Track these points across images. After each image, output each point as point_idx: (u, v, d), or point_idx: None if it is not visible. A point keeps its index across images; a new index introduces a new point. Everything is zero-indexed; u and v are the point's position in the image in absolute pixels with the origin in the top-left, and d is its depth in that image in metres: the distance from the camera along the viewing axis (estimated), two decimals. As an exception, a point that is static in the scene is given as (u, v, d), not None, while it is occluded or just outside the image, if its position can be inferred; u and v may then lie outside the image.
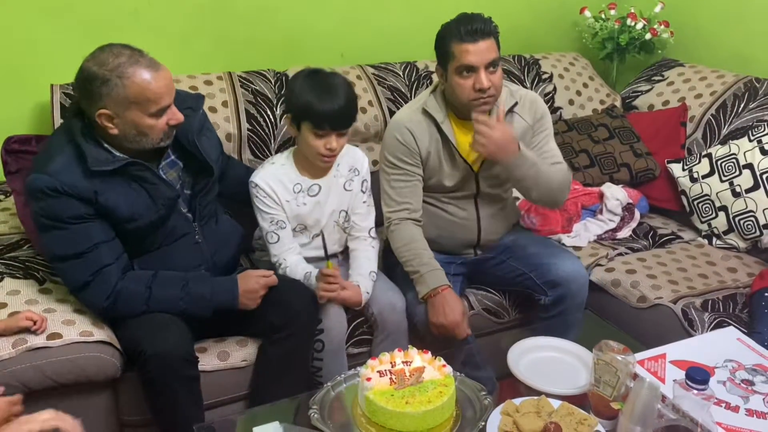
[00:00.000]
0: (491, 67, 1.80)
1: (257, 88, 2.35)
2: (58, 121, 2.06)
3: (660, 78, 2.88)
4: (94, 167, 1.52)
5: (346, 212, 1.97)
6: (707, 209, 2.41)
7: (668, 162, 2.57)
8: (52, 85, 2.13)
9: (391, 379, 1.39)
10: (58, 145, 1.56)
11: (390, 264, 2.04)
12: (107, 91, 1.48)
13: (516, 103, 1.94)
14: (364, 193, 1.97)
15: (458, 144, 1.92)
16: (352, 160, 1.95)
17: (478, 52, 1.77)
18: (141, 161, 1.59)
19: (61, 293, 1.71)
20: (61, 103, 2.09)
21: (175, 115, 1.58)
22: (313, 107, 1.74)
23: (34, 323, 1.54)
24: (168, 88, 1.54)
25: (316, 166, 1.88)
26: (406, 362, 1.44)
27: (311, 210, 1.91)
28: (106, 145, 1.57)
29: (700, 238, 2.43)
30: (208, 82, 2.30)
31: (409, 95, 2.54)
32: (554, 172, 1.91)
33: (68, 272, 1.59)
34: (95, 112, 1.51)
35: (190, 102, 1.73)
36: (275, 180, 1.86)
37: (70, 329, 1.58)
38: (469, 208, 2.02)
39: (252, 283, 1.72)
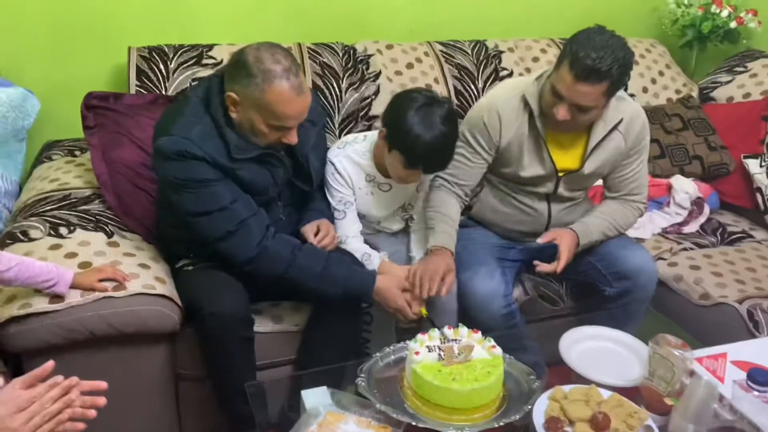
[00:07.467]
0: (580, 109, 1.69)
1: (325, 60, 2.36)
2: (134, 81, 2.14)
3: (743, 69, 2.74)
4: (237, 155, 1.57)
5: (411, 204, 1.99)
6: (783, 209, 2.30)
7: (744, 157, 2.46)
8: (129, 48, 2.20)
9: (439, 354, 1.39)
10: (196, 114, 1.58)
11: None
12: (246, 84, 1.51)
13: (621, 120, 1.82)
14: None
15: (548, 141, 1.84)
16: None
17: (573, 89, 1.64)
18: (273, 150, 1.64)
19: (127, 247, 1.78)
20: (137, 65, 2.16)
21: (290, 138, 1.59)
22: (414, 146, 1.68)
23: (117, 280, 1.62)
24: (298, 115, 1.56)
25: None
26: (456, 340, 1.44)
27: (375, 201, 1.93)
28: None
29: (773, 239, 2.33)
30: (278, 52, 2.33)
31: (476, 74, 2.51)
32: (622, 227, 1.95)
33: (209, 225, 1.60)
34: (228, 90, 1.55)
35: (313, 115, 1.73)
36: (352, 166, 1.88)
37: (135, 282, 1.64)
38: (541, 204, 1.96)
39: (392, 293, 1.72)
